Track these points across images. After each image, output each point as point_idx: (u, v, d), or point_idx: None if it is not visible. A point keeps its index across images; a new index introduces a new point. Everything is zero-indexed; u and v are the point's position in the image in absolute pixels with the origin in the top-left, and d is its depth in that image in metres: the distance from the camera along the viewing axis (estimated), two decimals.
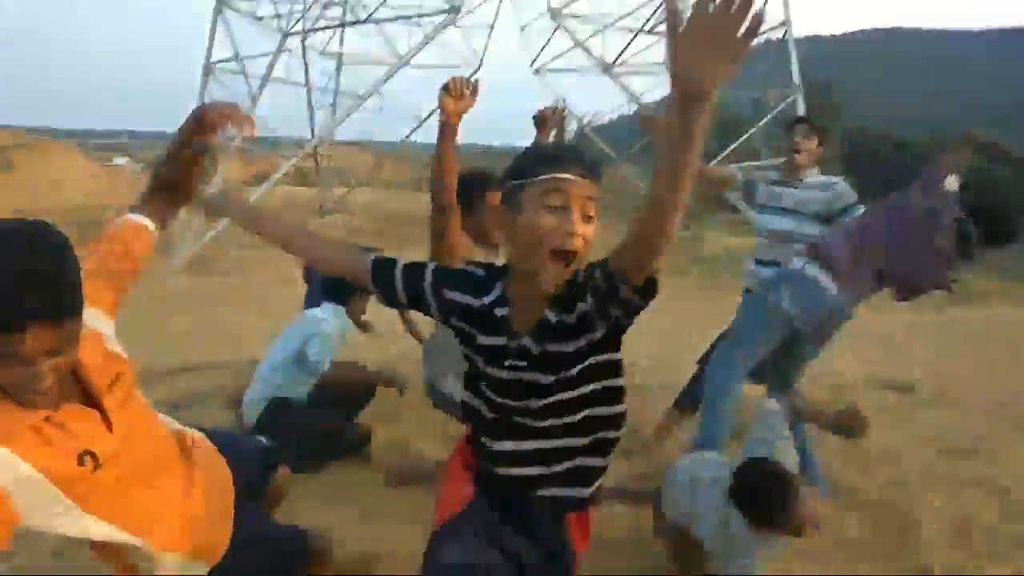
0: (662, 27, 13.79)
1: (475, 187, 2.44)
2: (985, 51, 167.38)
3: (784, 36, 10.16)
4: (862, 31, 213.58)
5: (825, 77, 41.47)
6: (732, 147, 10.69)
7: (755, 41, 0.94)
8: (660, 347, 5.16)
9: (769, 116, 10.35)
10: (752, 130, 10.83)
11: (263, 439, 1.97)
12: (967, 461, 3.29)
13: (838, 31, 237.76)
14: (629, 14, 12.92)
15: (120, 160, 27.43)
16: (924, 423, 3.85)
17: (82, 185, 19.20)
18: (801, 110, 9.62)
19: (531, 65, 15.41)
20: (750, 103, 11.67)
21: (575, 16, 12.41)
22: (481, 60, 15.08)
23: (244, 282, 10.12)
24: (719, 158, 10.00)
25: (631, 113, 14.46)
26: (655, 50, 14.60)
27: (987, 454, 3.37)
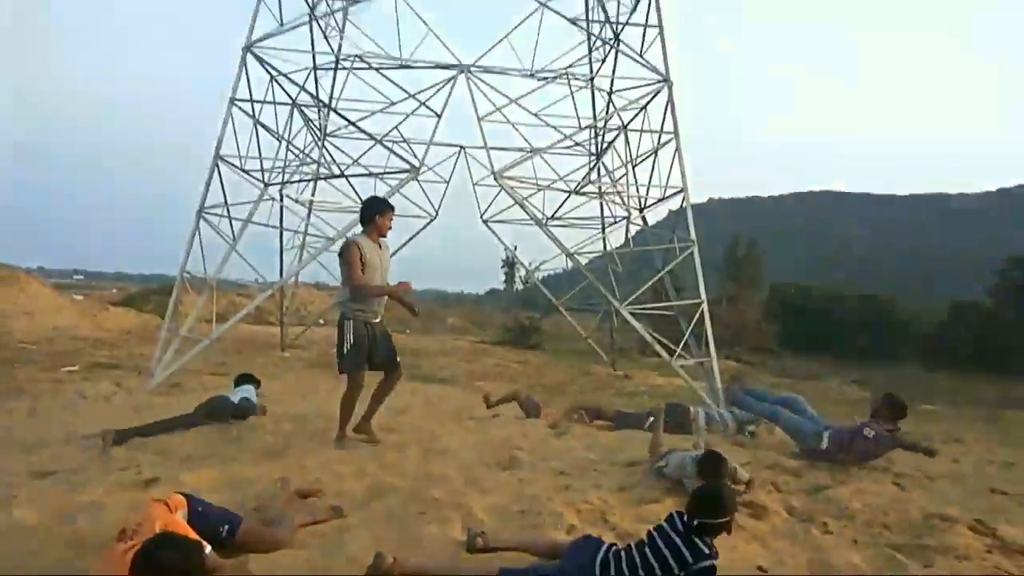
0: (589, 187, 16.34)
1: None
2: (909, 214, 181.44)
3: (682, 203, 12.49)
4: (802, 192, 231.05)
5: (752, 234, 45.67)
6: (645, 287, 12.75)
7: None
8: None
9: (673, 263, 12.49)
10: (661, 274, 12.95)
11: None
12: None
13: (775, 192, 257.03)
14: (562, 179, 15.21)
15: (77, 296, 28.59)
16: None
17: (51, 316, 20.25)
18: (697, 257, 11.71)
19: (480, 216, 17.45)
20: (660, 254, 13.76)
21: (516, 178, 14.54)
22: (437, 211, 17.19)
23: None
24: (634, 295, 11.97)
25: (566, 265, 16.37)
26: (585, 208, 17.02)
27: None
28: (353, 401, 5.80)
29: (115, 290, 45.52)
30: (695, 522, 3.10)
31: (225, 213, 12.26)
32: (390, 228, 5.88)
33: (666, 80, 13.03)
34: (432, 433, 6.66)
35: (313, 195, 16.34)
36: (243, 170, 12.79)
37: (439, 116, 13.20)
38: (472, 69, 14.01)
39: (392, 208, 5.93)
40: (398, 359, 6.01)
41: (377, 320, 5.80)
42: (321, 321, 21.92)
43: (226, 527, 3.16)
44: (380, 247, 5.81)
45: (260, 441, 5.88)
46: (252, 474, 4.53)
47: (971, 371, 32.26)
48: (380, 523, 3.55)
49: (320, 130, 15.89)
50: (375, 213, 5.76)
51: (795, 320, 40.20)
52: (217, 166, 12.10)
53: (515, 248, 23.73)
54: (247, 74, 12.80)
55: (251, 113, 12.90)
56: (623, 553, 3.14)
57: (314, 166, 14.55)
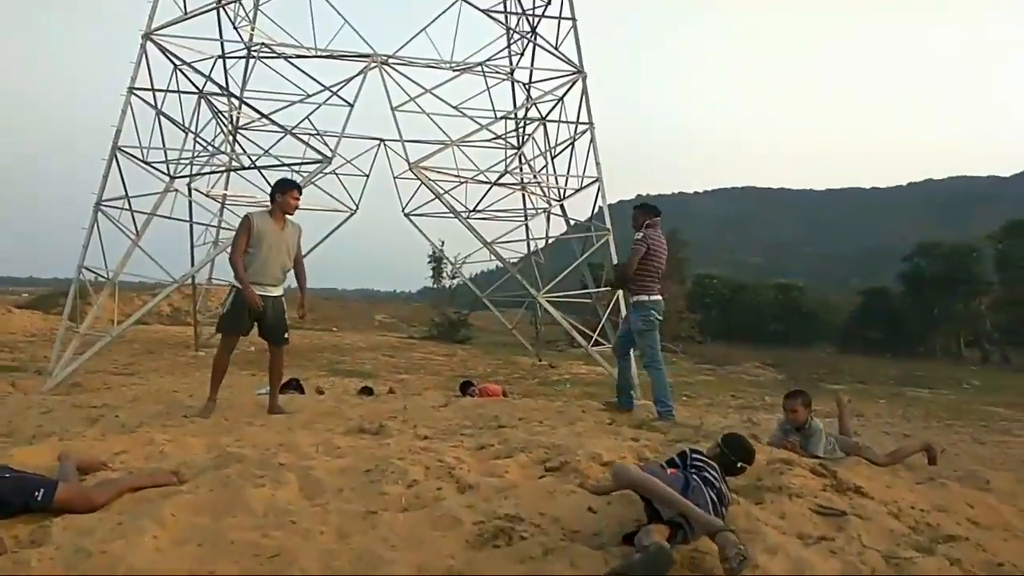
0: (509, 179, 16.38)
1: None
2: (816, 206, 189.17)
3: (598, 192, 12.67)
4: (722, 189, 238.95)
5: (672, 228, 46.68)
6: (562, 275, 12.88)
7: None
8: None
9: (590, 251, 12.66)
10: (578, 261, 13.10)
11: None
12: None
13: (700, 188, 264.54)
14: (483, 172, 15.20)
15: None
16: None
17: None
18: (612, 245, 11.89)
19: (402, 210, 17.28)
20: (579, 242, 13.93)
21: (436, 169, 14.44)
22: (357, 204, 16.91)
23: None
24: (554, 281, 12.07)
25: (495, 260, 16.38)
26: (507, 201, 17.07)
27: None
28: (222, 361, 6.03)
29: (25, 294, 43.36)
30: (738, 464, 3.57)
31: (126, 206, 11.76)
32: (295, 206, 6.07)
33: (580, 71, 13.17)
34: (310, 409, 6.55)
35: (226, 188, 15.85)
36: (145, 162, 12.28)
37: (351, 105, 12.99)
38: (388, 60, 13.84)
39: (296, 187, 6.11)
40: (286, 336, 6.19)
41: (270, 295, 5.97)
42: None
43: (41, 491, 3.28)
44: (284, 225, 6.03)
45: (116, 421, 5.82)
46: (92, 448, 4.39)
47: (881, 353, 33.88)
48: (212, 488, 3.47)
49: (231, 122, 15.41)
50: (276, 191, 6.04)
51: (716, 310, 41.41)
52: (116, 157, 11.58)
53: (442, 244, 23.58)
54: (148, 63, 12.30)
55: (152, 103, 12.40)
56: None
57: (225, 158, 14.10)
